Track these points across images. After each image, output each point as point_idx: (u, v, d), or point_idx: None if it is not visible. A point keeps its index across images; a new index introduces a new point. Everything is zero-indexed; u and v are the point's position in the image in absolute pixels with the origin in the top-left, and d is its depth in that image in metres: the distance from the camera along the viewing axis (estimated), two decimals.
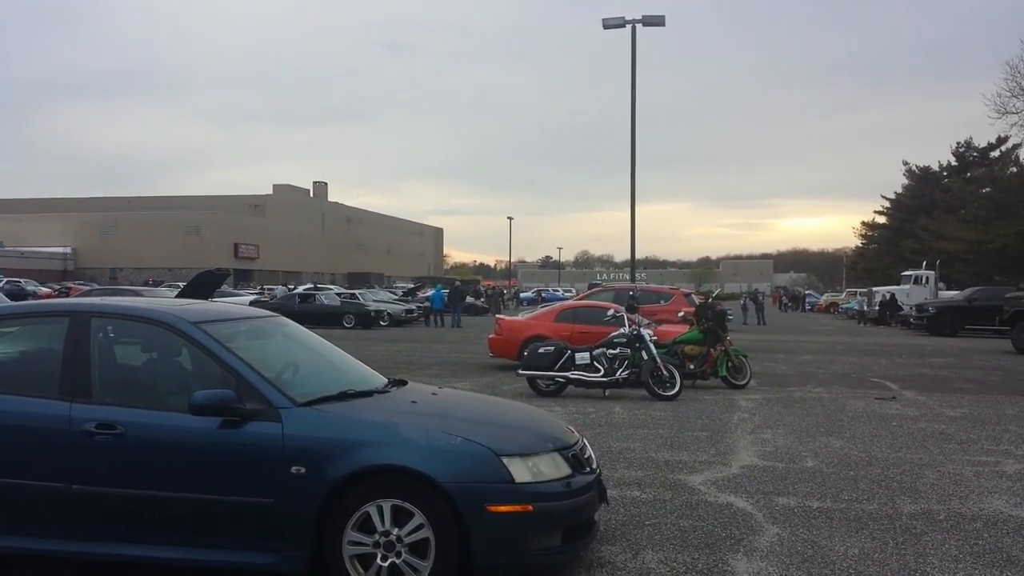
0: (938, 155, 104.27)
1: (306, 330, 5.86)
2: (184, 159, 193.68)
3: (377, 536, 4.22)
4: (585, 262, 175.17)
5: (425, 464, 4.20)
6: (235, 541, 4.35)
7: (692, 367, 13.45)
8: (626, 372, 12.29)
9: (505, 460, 4.28)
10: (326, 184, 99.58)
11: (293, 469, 4.24)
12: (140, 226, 74.67)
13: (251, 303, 34.78)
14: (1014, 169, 51.89)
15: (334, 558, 4.25)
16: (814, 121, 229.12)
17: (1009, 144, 54.02)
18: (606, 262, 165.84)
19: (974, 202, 52.28)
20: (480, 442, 4.34)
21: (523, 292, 77.08)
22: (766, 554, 5.13)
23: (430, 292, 41.82)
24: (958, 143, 61.29)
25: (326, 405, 4.54)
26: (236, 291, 45.11)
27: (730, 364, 13.63)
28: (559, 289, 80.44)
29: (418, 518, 4.18)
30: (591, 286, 40.88)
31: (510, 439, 4.51)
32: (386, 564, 4.21)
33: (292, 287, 43.42)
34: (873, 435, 9.32)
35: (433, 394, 5.37)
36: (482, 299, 51.09)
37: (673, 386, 12.13)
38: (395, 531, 4.20)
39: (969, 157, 60.42)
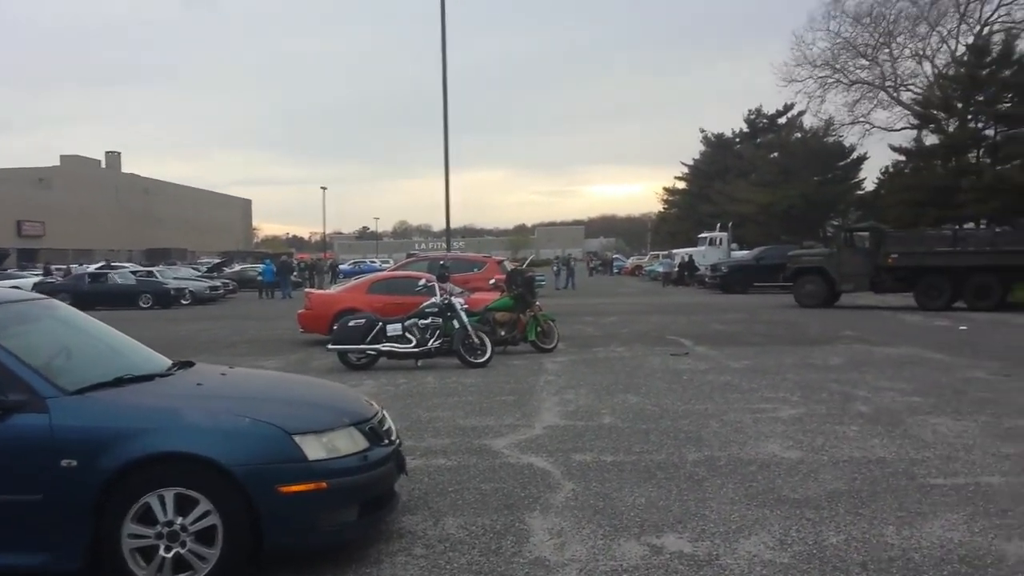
0: (733, 123, 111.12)
1: (80, 312, 5.47)
2: None
3: (159, 527, 4.02)
4: (403, 232, 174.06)
5: (209, 448, 4.04)
6: (2, 541, 4.01)
7: (503, 333, 13.72)
8: (438, 341, 12.36)
9: (297, 438, 4.20)
10: (119, 154, 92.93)
11: (63, 462, 3.97)
12: None
13: (35, 285, 32.19)
14: (799, 135, 56.31)
15: (113, 553, 4.03)
16: (618, 90, 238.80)
17: (795, 111, 58.37)
18: (424, 231, 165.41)
19: (763, 166, 56.30)
20: (270, 421, 4.22)
21: (341, 264, 75.56)
22: (560, 510, 5.35)
23: (249, 267, 44.92)
24: (749, 111, 65.39)
25: (99, 392, 4.27)
26: (19, 272, 41.38)
27: (539, 329, 14.03)
28: (376, 260, 79.52)
29: (204, 505, 4.03)
30: (409, 256, 40.82)
31: (303, 416, 4.43)
32: (170, 555, 4.03)
33: (83, 265, 40.40)
34: (666, 390, 9.91)
35: (222, 374, 5.17)
36: (294, 273, 49.68)
37: (484, 353, 12.33)
38: (179, 520, 4.03)
39: (759, 124, 64.66)
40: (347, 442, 4.42)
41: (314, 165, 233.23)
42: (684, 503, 5.45)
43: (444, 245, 37.11)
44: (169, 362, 5.18)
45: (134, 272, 34.51)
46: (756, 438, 7.30)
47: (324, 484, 4.17)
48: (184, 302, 30.77)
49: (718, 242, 43.44)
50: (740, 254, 40.41)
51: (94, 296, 29.55)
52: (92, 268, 36.60)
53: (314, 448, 4.23)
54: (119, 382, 4.45)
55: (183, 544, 4.03)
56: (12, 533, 4.01)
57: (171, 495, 4.02)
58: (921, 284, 22.75)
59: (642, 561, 4.45)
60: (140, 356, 5.18)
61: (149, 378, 4.70)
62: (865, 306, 23.91)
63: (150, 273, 34.77)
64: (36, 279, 35.23)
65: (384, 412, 5.13)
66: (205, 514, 4.03)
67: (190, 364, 5.24)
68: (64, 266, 44.79)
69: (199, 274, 40.29)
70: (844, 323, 18.62)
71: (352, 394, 5.38)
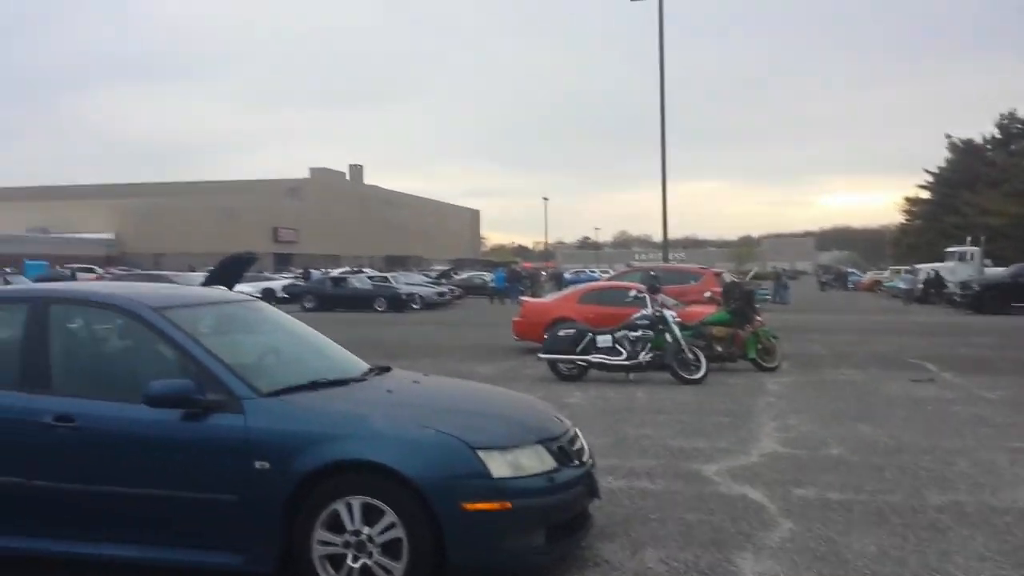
0: (981, 128, 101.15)
1: (284, 314, 5.61)
2: (216, 142, 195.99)
3: (347, 535, 3.96)
4: (624, 242, 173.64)
5: (394, 459, 3.92)
6: (199, 540, 4.13)
7: (720, 349, 13.00)
8: (649, 355, 11.92)
9: (481, 454, 3.99)
10: (362, 167, 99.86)
11: (257, 464, 4.00)
12: (180, 211, 75.37)
13: (285, 287, 35.15)
14: None
15: (303, 559, 4.01)
16: (851, 96, 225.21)
17: None
18: (644, 242, 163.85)
19: (1018, 175, 50.65)
20: (454, 434, 4.04)
21: (566, 273, 76.58)
22: (775, 551, 4.77)
23: (475, 275, 50.37)
24: (1002, 115, 59.37)
25: (293, 395, 4.28)
26: (272, 275, 45.41)
27: (760, 346, 13.18)
28: (596, 270, 79.68)
29: (389, 516, 3.91)
30: (627, 266, 40.55)
31: (488, 430, 4.22)
32: (357, 565, 3.95)
33: (326, 271, 43.96)
34: (905, 420, 8.85)
35: (415, 382, 5.07)
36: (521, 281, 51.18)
37: (699, 369, 11.73)
38: (366, 530, 3.94)
39: (1013, 129, 58.56)
40: (533, 460, 4.16)
41: (537, 176, 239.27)
42: (923, 555, 4.68)
43: (663, 256, 36.43)
44: (366, 367, 5.17)
45: (370, 277, 36.80)
46: (1013, 483, 6.26)
47: (508, 504, 3.94)
48: (415, 306, 32.37)
49: (969, 257, 39.29)
50: (994, 271, 36.33)
51: (335, 298, 31.87)
52: (335, 273, 39.43)
53: (498, 465, 4.01)
54: (313, 386, 4.46)
55: (370, 555, 3.94)
56: (209, 532, 4.11)
57: (358, 503, 3.94)
58: None
59: None
60: (337, 360, 5.20)
61: (343, 382, 4.69)
62: None
63: (384, 278, 36.93)
64: (287, 282, 38.47)
65: (576, 430, 4.82)
66: (391, 526, 3.91)
67: (386, 369, 5.21)
68: (311, 270, 48.65)
69: (429, 280, 42.31)
70: None
71: (543, 409, 5.09)
